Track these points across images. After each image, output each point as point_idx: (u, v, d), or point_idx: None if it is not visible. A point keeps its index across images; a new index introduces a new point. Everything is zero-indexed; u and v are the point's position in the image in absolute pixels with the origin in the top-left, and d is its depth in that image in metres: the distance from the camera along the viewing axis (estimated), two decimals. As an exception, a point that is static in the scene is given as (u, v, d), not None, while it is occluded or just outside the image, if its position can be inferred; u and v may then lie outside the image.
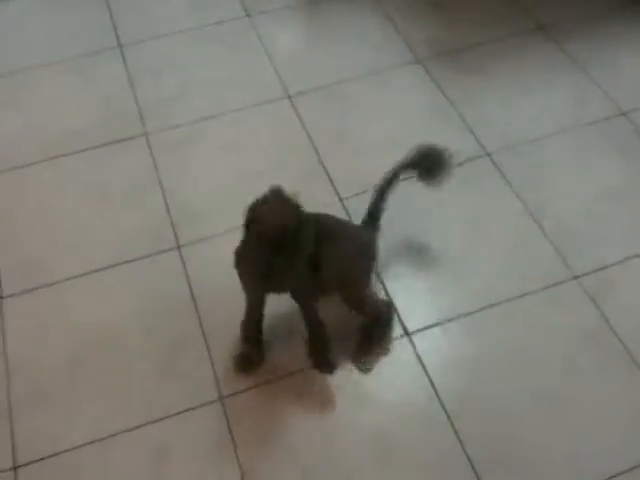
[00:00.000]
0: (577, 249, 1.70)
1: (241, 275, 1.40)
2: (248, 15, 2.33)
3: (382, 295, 1.64)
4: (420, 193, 1.81)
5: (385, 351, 1.56)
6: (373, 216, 1.56)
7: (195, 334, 1.59)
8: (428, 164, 1.56)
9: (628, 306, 1.61)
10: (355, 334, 1.57)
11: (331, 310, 1.52)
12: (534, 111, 2.00)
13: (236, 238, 1.74)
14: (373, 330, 1.57)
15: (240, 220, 1.76)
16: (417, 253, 1.72)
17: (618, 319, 1.58)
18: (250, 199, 1.80)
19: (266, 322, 1.54)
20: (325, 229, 1.39)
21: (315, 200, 1.81)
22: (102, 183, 1.89)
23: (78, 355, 1.58)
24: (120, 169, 1.92)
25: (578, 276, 1.66)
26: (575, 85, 2.06)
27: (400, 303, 1.63)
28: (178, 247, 1.74)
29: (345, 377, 1.53)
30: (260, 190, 1.82)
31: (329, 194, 1.84)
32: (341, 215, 1.76)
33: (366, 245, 1.50)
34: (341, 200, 1.82)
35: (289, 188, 1.83)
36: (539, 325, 1.59)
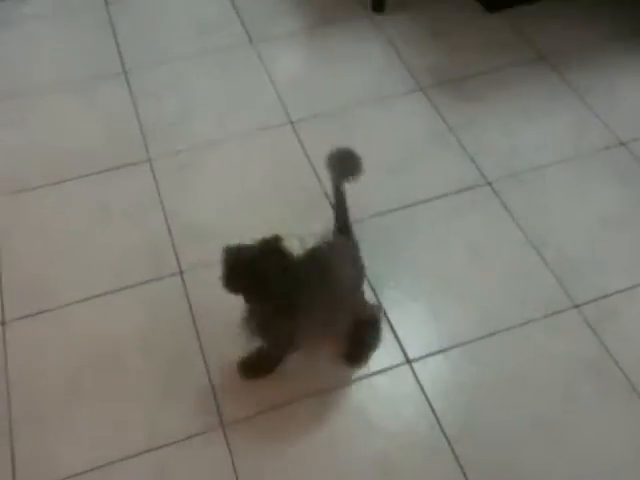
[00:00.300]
0: (578, 278, 1.71)
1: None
2: (251, 41, 2.36)
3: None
4: (422, 219, 1.83)
5: (374, 349, 1.59)
6: (344, 229, 1.56)
7: (196, 359, 1.59)
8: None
9: (629, 335, 1.61)
10: (346, 337, 1.58)
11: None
12: (535, 140, 2.02)
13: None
14: (364, 333, 1.58)
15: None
16: (418, 280, 1.72)
17: (619, 348, 1.59)
18: (252, 223, 1.83)
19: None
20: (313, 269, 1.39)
21: (315, 224, 1.82)
22: (105, 206, 1.90)
23: (78, 379, 1.57)
24: (123, 192, 1.93)
25: (579, 305, 1.66)
26: (575, 114, 2.08)
27: (401, 330, 1.63)
28: (180, 271, 1.75)
29: (347, 404, 1.52)
30: (262, 214, 1.85)
31: (329, 218, 1.84)
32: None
33: (354, 259, 1.52)
34: (343, 226, 1.82)
35: (291, 214, 1.86)
36: (540, 353, 1.59)
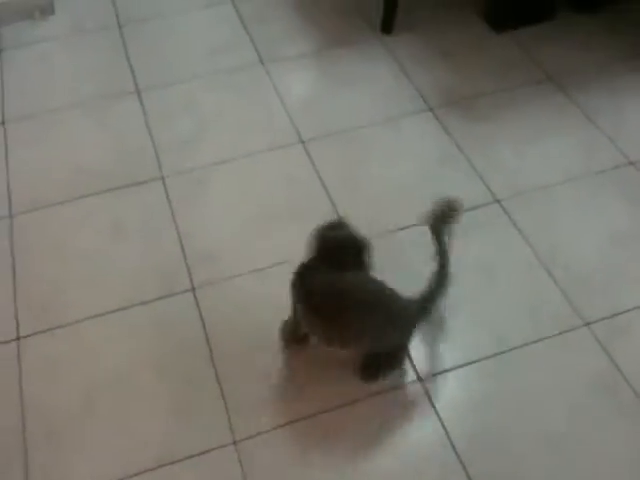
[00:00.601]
0: (588, 295, 1.72)
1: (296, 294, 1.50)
2: (262, 62, 2.39)
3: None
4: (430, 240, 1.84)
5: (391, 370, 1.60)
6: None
7: (209, 376, 1.61)
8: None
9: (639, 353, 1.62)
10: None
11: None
12: (543, 159, 2.04)
13: (250, 280, 1.78)
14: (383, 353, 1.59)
15: (254, 263, 1.80)
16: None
17: (629, 366, 1.59)
18: (263, 242, 1.85)
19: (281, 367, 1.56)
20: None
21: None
22: (118, 223, 1.92)
23: (92, 395, 1.59)
24: (136, 210, 1.96)
25: (589, 323, 1.67)
26: (584, 134, 2.10)
27: (412, 349, 1.64)
28: (193, 289, 1.77)
29: (359, 421, 1.53)
30: (273, 233, 1.87)
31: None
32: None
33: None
34: (353, 244, 1.84)
35: (302, 234, 1.87)
36: (550, 371, 1.60)
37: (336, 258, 1.46)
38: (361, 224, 1.87)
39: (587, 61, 2.35)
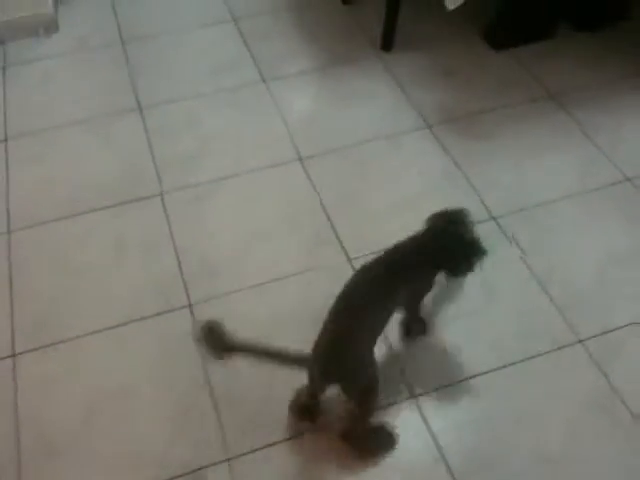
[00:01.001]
0: (583, 313, 1.72)
1: None
2: (264, 80, 2.41)
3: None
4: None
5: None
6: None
7: (203, 392, 1.61)
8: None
9: (633, 371, 1.61)
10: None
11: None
12: (541, 176, 2.04)
13: (248, 296, 1.79)
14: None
15: (252, 279, 1.81)
16: (424, 314, 1.74)
17: (623, 384, 1.59)
18: (261, 258, 1.86)
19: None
20: None
21: (324, 260, 1.85)
22: (119, 240, 1.94)
23: (89, 411, 1.60)
24: (136, 227, 1.97)
25: (584, 340, 1.67)
26: (582, 151, 2.11)
27: (407, 366, 1.64)
28: (190, 305, 1.78)
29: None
30: (272, 250, 1.88)
31: (338, 254, 1.87)
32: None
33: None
34: (349, 260, 1.85)
35: (301, 249, 1.89)
36: (545, 388, 1.60)
37: (453, 253, 1.46)
38: (356, 240, 1.90)
39: (586, 79, 2.36)
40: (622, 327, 1.69)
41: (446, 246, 1.46)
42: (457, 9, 2.17)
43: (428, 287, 1.58)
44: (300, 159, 2.13)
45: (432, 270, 1.51)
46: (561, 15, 2.51)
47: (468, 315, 1.73)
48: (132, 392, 1.62)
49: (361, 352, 1.39)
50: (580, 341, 1.67)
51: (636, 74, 2.36)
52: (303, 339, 1.68)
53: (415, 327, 1.70)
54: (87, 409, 1.60)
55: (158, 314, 1.77)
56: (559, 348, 1.66)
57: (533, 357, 1.64)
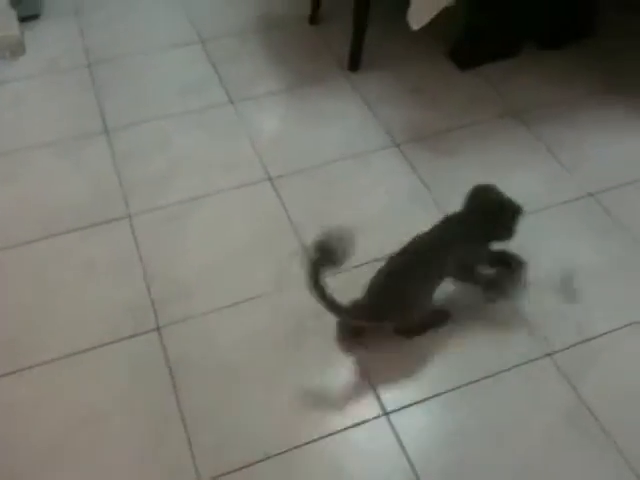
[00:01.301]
0: (553, 326, 1.74)
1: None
2: (232, 101, 2.42)
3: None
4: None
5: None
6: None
7: (174, 417, 1.60)
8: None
9: (604, 384, 1.63)
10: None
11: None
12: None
13: (218, 317, 1.78)
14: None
15: (223, 300, 1.81)
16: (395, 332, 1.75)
17: (594, 396, 1.61)
18: (232, 281, 1.85)
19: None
20: None
21: (295, 278, 1.85)
22: (87, 264, 1.92)
23: (57, 439, 1.57)
24: (106, 249, 1.96)
25: (554, 352, 1.69)
26: (546, 167, 2.15)
27: (379, 382, 1.64)
28: (158, 328, 1.76)
29: (322, 459, 1.53)
30: (242, 271, 1.88)
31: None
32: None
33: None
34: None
35: (272, 269, 1.89)
36: (517, 402, 1.61)
37: (492, 216, 1.67)
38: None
39: (551, 96, 2.41)
40: (591, 339, 1.72)
41: (488, 211, 1.67)
42: (423, 28, 2.21)
43: (478, 259, 1.74)
44: (270, 179, 2.14)
45: (480, 240, 1.69)
46: (526, 33, 2.57)
47: (437, 330, 1.74)
48: (102, 419, 1.60)
49: (412, 296, 1.62)
50: (550, 354, 1.68)
51: (600, 91, 2.41)
52: (277, 358, 1.69)
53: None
54: (54, 438, 1.57)
55: (129, 337, 1.75)
56: (530, 361, 1.67)
57: (504, 370, 1.66)
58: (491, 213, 1.67)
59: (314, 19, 2.75)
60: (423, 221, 1.97)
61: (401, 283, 1.61)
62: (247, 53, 2.63)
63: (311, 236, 1.93)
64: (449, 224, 1.70)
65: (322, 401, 1.62)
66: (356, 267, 1.87)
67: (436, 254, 1.65)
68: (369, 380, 1.65)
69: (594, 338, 1.72)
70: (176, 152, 2.24)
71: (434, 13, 2.16)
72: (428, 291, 1.67)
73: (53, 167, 2.22)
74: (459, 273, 1.72)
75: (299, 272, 1.86)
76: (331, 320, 1.73)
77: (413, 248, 1.66)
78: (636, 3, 2.57)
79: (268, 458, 1.53)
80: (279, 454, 1.53)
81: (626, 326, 1.74)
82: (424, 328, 1.72)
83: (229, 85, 2.49)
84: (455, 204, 2.03)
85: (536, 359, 1.68)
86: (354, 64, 2.51)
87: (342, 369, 1.68)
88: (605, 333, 1.73)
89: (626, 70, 2.48)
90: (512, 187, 1.98)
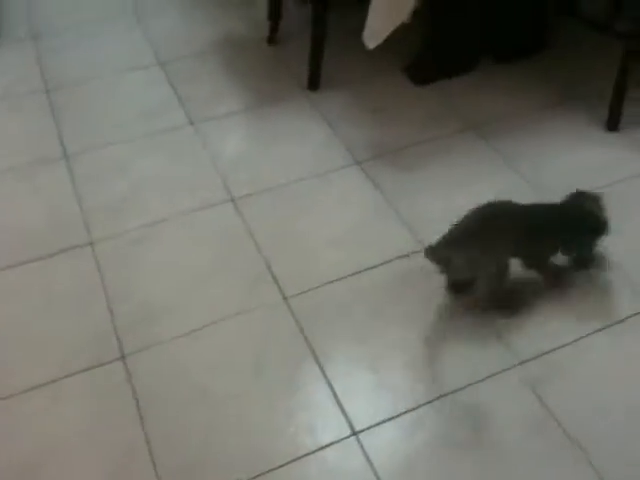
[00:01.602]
0: (518, 336, 1.75)
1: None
2: (192, 122, 2.42)
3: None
4: (364, 288, 1.86)
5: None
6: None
7: (141, 447, 1.57)
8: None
9: (570, 393, 1.65)
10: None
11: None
12: (468, 205, 2.07)
13: (185, 342, 1.76)
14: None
15: (188, 325, 1.79)
16: (361, 347, 1.75)
17: (559, 406, 1.62)
18: (198, 304, 1.84)
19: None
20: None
21: (261, 299, 1.85)
22: (48, 294, 1.89)
23: (20, 472, 1.53)
24: (66, 278, 1.93)
25: (519, 363, 1.70)
26: (503, 179, 2.18)
27: (346, 400, 1.64)
28: (123, 356, 1.74)
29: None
30: (207, 293, 1.87)
31: (274, 293, 1.87)
32: (286, 315, 1.80)
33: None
34: (285, 299, 1.85)
35: (236, 290, 1.88)
36: (486, 415, 1.61)
37: (571, 225, 1.78)
38: (291, 277, 1.90)
39: (507, 109, 2.44)
40: (557, 349, 1.73)
41: (577, 217, 1.78)
42: (381, 46, 2.22)
43: (551, 250, 1.82)
44: (232, 200, 2.14)
45: (556, 234, 1.79)
46: (482, 48, 2.61)
47: (405, 345, 1.75)
48: (64, 454, 1.56)
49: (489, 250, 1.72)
50: (519, 364, 1.69)
51: (555, 102, 2.46)
52: (244, 381, 1.68)
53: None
54: (16, 472, 1.54)
55: (93, 367, 1.72)
56: (498, 372, 1.68)
57: (472, 384, 1.66)
58: (585, 223, 1.78)
59: (272, 39, 2.76)
60: (389, 237, 2.00)
61: (487, 233, 1.73)
62: (207, 74, 2.63)
63: (276, 256, 1.95)
64: (547, 210, 1.81)
65: (291, 423, 1.61)
66: (328, 284, 1.87)
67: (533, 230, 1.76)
68: (337, 400, 1.65)
69: (562, 346, 1.73)
70: (137, 175, 2.23)
71: (389, 31, 2.18)
72: (501, 258, 1.75)
73: (12, 194, 2.19)
74: (537, 256, 1.83)
75: (266, 293, 1.87)
76: (298, 342, 1.73)
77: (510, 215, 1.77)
78: (584, 17, 2.62)
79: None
80: (251, 479, 1.52)
81: (589, 335, 1.76)
82: (490, 302, 1.79)
83: (189, 106, 2.48)
84: (418, 217, 2.06)
85: (507, 369, 1.68)
86: (313, 83, 2.53)
87: (309, 390, 1.67)
88: (572, 342, 1.74)
89: (577, 80, 2.53)
90: (474, 199, 2.00)
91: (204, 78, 2.61)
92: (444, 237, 1.74)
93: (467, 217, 1.76)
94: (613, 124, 2.33)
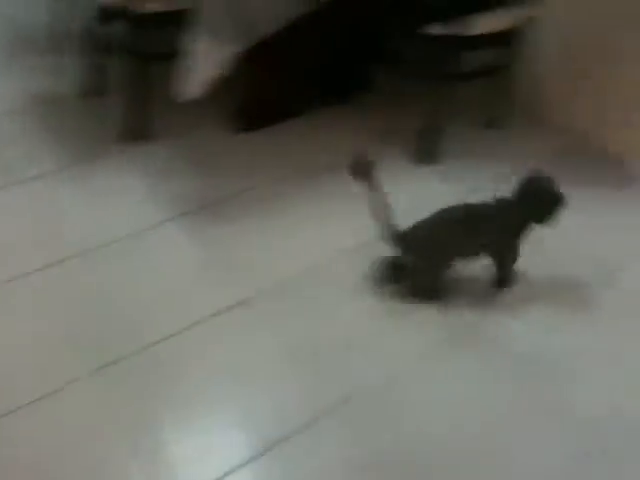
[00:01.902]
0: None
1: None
2: (4, 187, 2.29)
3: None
4: (192, 342, 1.84)
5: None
6: None
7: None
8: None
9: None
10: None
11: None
12: (288, 251, 2.13)
13: (20, 418, 1.63)
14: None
15: (23, 399, 1.66)
16: (205, 407, 1.72)
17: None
18: (43, 368, 1.69)
19: None
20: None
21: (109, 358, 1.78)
22: None
23: None
24: None
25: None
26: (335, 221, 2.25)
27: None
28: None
29: None
30: (46, 361, 1.73)
31: (101, 357, 1.79)
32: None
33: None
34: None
35: (79, 353, 1.76)
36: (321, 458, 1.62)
37: (536, 201, 1.88)
38: (119, 338, 1.83)
39: (330, 150, 2.51)
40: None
41: (534, 193, 1.88)
42: (207, 95, 2.20)
43: (515, 237, 1.92)
44: (50, 265, 2.04)
45: (518, 216, 1.89)
46: (306, 95, 2.68)
47: (228, 400, 1.73)
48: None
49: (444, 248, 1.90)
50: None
51: (377, 140, 2.55)
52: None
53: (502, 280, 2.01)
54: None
55: None
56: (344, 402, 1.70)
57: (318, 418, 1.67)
58: (536, 195, 1.88)
59: (89, 94, 2.69)
60: (212, 291, 1.99)
61: (444, 233, 1.88)
62: (17, 135, 2.51)
63: (103, 316, 1.86)
64: (498, 202, 1.90)
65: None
66: (153, 345, 1.82)
67: (483, 222, 1.90)
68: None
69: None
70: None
71: (206, 85, 2.17)
72: (458, 254, 1.92)
73: None
74: (502, 244, 1.94)
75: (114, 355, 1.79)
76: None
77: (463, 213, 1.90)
78: (400, 68, 2.74)
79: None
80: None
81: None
82: (429, 293, 1.95)
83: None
84: (246, 267, 2.06)
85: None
86: (134, 137, 2.48)
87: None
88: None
89: (401, 123, 2.62)
90: (290, 247, 2.03)
91: (15, 139, 2.49)
92: (412, 228, 1.89)
93: (433, 217, 1.90)
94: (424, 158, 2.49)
